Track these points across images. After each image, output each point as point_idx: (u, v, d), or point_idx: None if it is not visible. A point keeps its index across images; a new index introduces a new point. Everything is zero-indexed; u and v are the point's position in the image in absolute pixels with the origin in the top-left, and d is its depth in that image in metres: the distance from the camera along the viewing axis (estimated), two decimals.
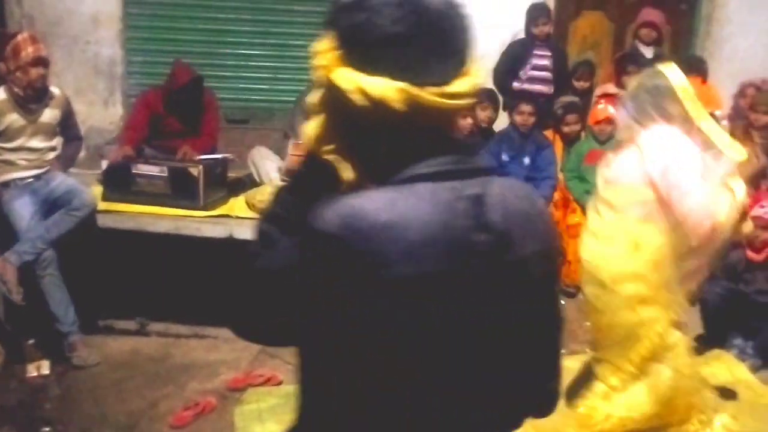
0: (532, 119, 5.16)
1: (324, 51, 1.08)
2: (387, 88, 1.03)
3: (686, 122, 2.96)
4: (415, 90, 1.04)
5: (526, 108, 5.16)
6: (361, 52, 1.05)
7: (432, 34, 1.06)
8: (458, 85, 1.08)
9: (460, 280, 1.07)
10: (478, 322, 1.10)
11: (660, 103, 2.95)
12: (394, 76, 1.04)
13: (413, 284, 1.03)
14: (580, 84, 5.59)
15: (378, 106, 1.03)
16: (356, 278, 1.02)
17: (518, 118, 5.18)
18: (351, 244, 1.01)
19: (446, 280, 1.06)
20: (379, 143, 1.09)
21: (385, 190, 1.06)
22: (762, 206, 4.35)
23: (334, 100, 1.07)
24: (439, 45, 1.07)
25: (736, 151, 2.99)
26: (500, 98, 5.43)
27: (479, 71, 1.11)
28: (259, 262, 1.10)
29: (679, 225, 2.92)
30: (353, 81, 1.04)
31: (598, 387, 3.23)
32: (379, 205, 1.03)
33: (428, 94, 1.04)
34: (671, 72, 3.00)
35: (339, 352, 1.09)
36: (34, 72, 3.99)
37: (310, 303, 1.06)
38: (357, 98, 1.04)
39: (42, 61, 4.03)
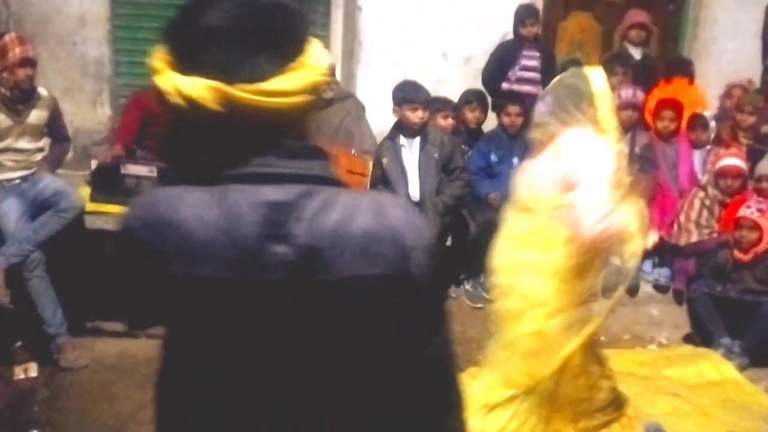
0: (519, 120, 5.17)
1: (156, 56, 1.06)
2: (199, 87, 1.00)
3: (598, 129, 2.80)
4: (227, 88, 1.00)
5: (513, 109, 5.18)
6: (183, 53, 1.03)
7: (251, 29, 1.02)
8: (280, 82, 1.01)
9: (255, 291, 1.02)
10: (292, 345, 1.03)
11: (578, 104, 2.81)
12: (210, 74, 1.00)
13: (197, 285, 1.01)
14: None
15: (193, 106, 1.00)
16: (146, 270, 1.03)
17: (506, 119, 5.20)
18: (138, 236, 1.03)
19: (236, 287, 1.01)
20: (202, 143, 1.05)
21: (192, 189, 1.04)
22: (748, 206, 4.38)
23: (162, 103, 1.05)
24: (260, 41, 1.02)
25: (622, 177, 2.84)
26: (489, 99, 5.44)
27: (316, 68, 1.05)
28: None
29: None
30: (170, 82, 1.02)
31: (479, 399, 2.98)
32: (173, 201, 1.02)
33: (242, 92, 1.00)
34: (595, 76, 2.86)
35: (166, 341, 1.12)
36: (22, 73, 3.97)
37: (128, 289, 1.10)
38: (174, 99, 1.02)
39: (29, 62, 4.01)
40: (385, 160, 4.72)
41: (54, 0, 5.46)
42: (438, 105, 5.20)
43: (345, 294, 1.02)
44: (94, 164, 4.41)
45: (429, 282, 1.07)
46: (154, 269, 1.03)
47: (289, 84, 1.02)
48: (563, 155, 2.81)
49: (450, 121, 5.19)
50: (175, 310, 1.05)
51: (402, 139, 4.78)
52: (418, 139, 4.77)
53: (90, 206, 4.19)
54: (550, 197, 2.81)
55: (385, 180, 4.72)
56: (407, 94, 4.71)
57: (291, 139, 1.06)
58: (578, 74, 2.90)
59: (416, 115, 4.68)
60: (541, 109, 2.97)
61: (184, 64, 1.02)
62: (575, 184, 2.74)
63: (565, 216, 2.77)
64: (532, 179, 2.91)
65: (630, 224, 2.73)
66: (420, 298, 1.07)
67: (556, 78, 2.99)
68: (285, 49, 1.03)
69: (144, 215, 1.04)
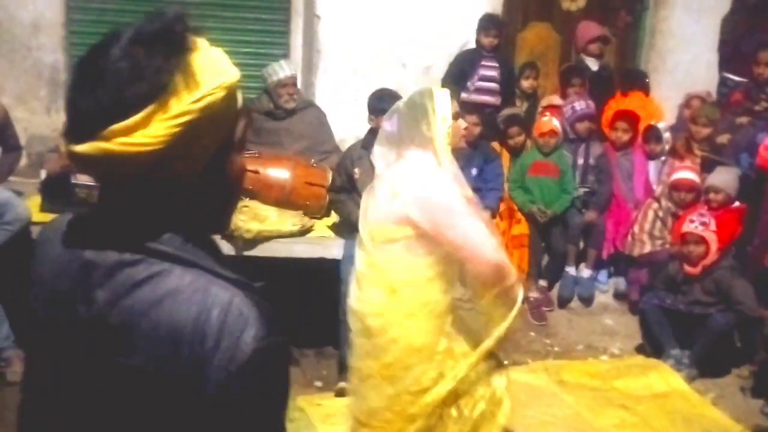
0: (477, 130, 5.18)
1: None
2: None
3: (435, 151, 2.65)
4: (64, 138, 1.01)
5: (470, 119, 5.16)
6: None
7: (74, 86, 0.99)
8: (81, 147, 0.95)
9: (68, 343, 1.00)
10: (99, 405, 0.98)
11: (422, 125, 2.65)
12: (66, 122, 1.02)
13: (34, 316, 1.06)
14: (528, 83, 5.64)
15: None
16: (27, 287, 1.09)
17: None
18: (32, 254, 1.10)
19: (55, 332, 1.02)
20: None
21: (75, 222, 1.07)
22: (692, 221, 4.43)
23: None
24: (73, 98, 0.98)
25: None
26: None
27: (126, 138, 0.94)
28: None
29: (451, 260, 2.61)
30: None
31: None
32: (57, 230, 1.06)
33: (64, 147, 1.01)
34: (440, 96, 2.69)
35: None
36: None
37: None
38: None
39: None
40: (357, 171, 4.47)
41: (7, 6, 5.38)
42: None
43: (130, 381, 0.95)
44: (43, 174, 4.35)
45: (228, 404, 0.94)
46: (27, 289, 1.08)
47: (84, 149, 0.95)
48: (398, 193, 2.63)
49: None
50: (26, 332, 1.10)
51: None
52: None
53: (40, 216, 4.13)
54: (389, 229, 2.63)
55: (354, 190, 4.47)
56: (386, 105, 4.53)
57: (150, 204, 0.99)
58: (425, 94, 2.72)
59: None
60: (386, 128, 2.79)
61: None
62: (420, 219, 2.56)
63: (410, 248, 2.59)
64: (370, 213, 2.71)
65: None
66: (212, 418, 0.94)
67: (408, 97, 2.79)
68: (96, 116, 0.94)
69: (40, 234, 1.11)
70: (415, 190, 2.60)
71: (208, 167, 1.00)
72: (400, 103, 2.78)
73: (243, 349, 0.93)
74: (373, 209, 2.71)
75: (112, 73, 0.95)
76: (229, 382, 0.93)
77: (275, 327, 0.97)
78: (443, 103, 2.66)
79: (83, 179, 4.20)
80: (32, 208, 4.23)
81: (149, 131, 0.93)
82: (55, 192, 4.23)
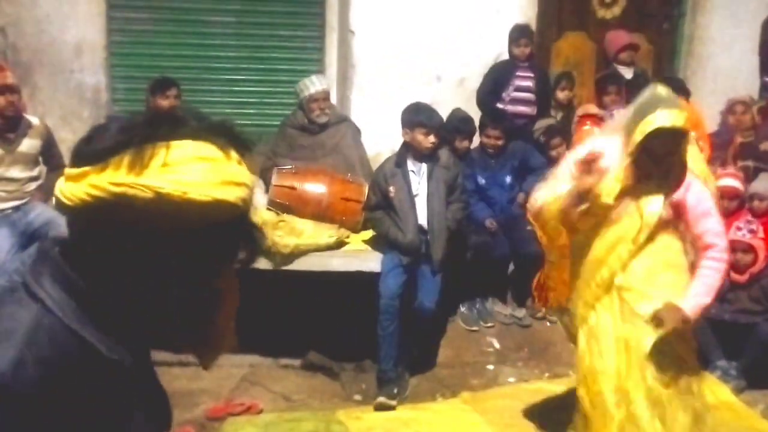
0: (499, 142, 5.09)
1: None
2: None
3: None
4: None
5: (493, 132, 5.08)
6: None
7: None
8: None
9: None
10: None
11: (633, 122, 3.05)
12: None
13: None
14: (564, 94, 5.59)
15: None
16: None
17: (485, 140, 5.13)
18: None
19: None
20: None
21: None
22: (739, 228, 4.35)
23: None
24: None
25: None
26: (476, 126, 5.32)
27: (65, 183, 0.96)
28: None
29: None
30: None
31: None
32: None
33: None
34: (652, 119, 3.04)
35: None
36: (2, 99, 4.00)
37: None
38: None
39: (9, 89, 4.04)
40: (392, 189, 4.46)
41: (50, 29, 5.52)
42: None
43: None
44: None
45: None
46: None
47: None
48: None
49: (465, 143, 5.13)
50: None
51: (410, 164, 4.52)
52: (424, 163, 4.52)
53: None
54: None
55: (390, 207, 4.51)
56: (421, 118, 4.44)
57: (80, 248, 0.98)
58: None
59: (428, 140, 4.41)
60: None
61: None
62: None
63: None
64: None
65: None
66: None
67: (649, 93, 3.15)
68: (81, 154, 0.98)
69: None
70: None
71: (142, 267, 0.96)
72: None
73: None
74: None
75: (104, 125, 0.99)
76: None
77: (18, 375, 0.90)
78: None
79: None
80: None
81: (73, 188, 0.94)
82: None
